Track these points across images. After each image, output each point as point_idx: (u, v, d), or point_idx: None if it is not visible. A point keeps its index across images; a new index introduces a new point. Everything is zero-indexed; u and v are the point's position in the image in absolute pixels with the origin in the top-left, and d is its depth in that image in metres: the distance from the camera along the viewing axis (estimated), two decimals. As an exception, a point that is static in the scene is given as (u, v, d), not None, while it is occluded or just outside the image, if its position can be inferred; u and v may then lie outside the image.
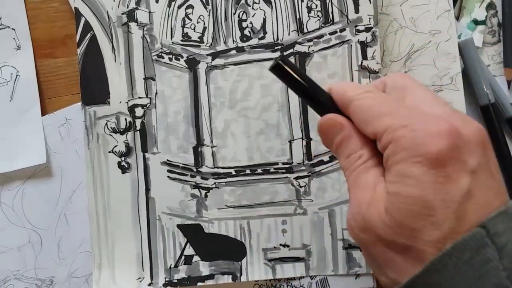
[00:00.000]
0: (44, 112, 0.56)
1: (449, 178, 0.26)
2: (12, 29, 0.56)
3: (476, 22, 0.54)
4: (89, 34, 0.52)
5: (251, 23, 0.51)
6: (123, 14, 0.52)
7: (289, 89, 0.50)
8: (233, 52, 0.52)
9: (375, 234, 0.28)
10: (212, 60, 0.52)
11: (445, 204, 0.26)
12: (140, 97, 0.52)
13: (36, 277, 0.56)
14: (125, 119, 0.52)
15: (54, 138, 0.57)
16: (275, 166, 0.51)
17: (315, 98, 0.35)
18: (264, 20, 0.51)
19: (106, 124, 0.52)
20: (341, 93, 0.33)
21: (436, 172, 0.26)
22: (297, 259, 0.51)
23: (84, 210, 0.54)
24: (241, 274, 0.51)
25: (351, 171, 0.31)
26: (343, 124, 0.32)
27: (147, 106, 0.52)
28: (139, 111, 0.52)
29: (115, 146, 0.52)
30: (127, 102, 0.52)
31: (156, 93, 0.52)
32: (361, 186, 0.30)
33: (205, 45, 0.52)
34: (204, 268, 0.52)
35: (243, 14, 0.51)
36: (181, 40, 0.52)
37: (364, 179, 0.30)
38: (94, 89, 0.52)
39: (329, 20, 0.51)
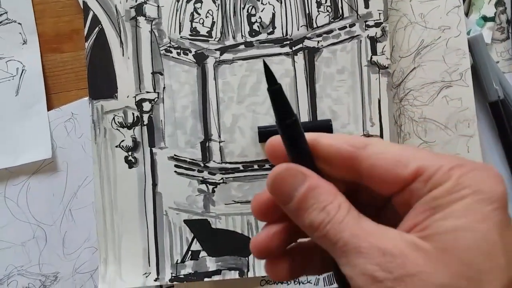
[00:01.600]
0: (50, 107, 0.56)
1: (510, 221, 0.23)
2: (19, 23, 0.56)
3: (485, 19, 0.54)
4: (97, 28, 0.52)
5: (260, 18, 0.51)
6: (131, 8, 0.52)
7: (298, 84, 0.51)
8: (242, 47, 0.51)
9: (421, 283, 0.22)
10: (221, 55, 0.51)
11: (508, 247, 0.23)
12: (148, 92, 0.51)
13: (40, 273, 0.56)
14: (133, 114, 0.51)
15: (60, 133, 0.56)
16: (283, 162, 0.51)
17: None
18: (273, 15, 0.51)
19: (114, 118, 0.51)
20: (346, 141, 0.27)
21: (502, 211, 0.23)
22: (304, 255, 0.51)
23: (90, 205, 0.54)
24: (248, 270, 0.51)
25: (336, 224, 0.24)
26: (305, 174, 0.26)
27: (155, 100, 0.51)
28: (146, 106, 0.51)
29: (122, 140, 0.51)
30: (135, 97, 0.52)
31: (164, 87, 0.51)
32: (374, 233, 0.24)
33: (214, 40, 0.52)
34: (211, 263, 0.51)
35: (252, 8, 0.51)
36: (190, 35, 0.52)
37: (369, 225, 0.24)
38: (101, 83, 0.51)
39: (339, 15, 0.51)
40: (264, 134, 0.50)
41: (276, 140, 0.28)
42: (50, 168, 0.56)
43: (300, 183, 0.26)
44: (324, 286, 0.51)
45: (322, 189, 0.26)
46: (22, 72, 0.56)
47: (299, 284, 0.51)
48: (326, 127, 0.50)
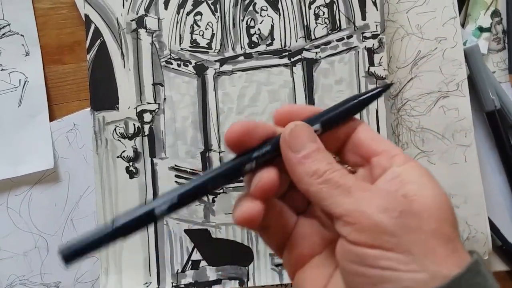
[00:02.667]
0: (52, 118, 0.57)
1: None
2: (21, 35, 0.57)
3: (481, 29, 0.55)
4: (98, 41, 0.53)
5: (259, 29, 0.52)
6: (132, 20, 0.53)
7: (296, 94, 0.51)
8: (241, 58, 0.52)
9: (419, 220, 0.26)
10: (220, 66, 0.52)
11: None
12: (148, 103, 0.52)
13: (42, 283, 0.57)
14: (134, 125, 0.52)
15: (62, 143, 0.57)
16: (282, 172, 0.52)
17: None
18: (272, 26, 0.52)
19: (115, 129, 0.52)
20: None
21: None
22: (304, 264, 0.52)
23: (91, 215, 0.55)
24: (248, 279, 0.52)
25: (340, 173, 0.28)
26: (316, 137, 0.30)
27: (156, 111, 0.52)
28: (147, 117, 0.52)
29: (124, 151, 0.52)
30: (136, 108, 0.52)
31: (165, 98, 0.52)
32: (380, 180, 0.28)
33: (213, 51, 0.52)
34: (211, 273, 0.52)
35: (251, 20, 0.52)
36: (190, 47, 0.53)
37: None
38: (103, 95, 0.52)
39: (336, 27, 0.52)
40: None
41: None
42: (52, 178, 0.57)
43: (313, 139, 0.29)
44: None
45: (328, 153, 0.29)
46: (25, 83, 0.56)
47: None
48: None
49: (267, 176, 0.29)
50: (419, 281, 0.25)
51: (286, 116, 0.31)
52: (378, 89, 0.31)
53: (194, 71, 0.52)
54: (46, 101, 0.57)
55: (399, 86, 0.53)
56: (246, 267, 0.52)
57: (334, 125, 0.31)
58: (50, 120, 0.56)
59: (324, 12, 0.52)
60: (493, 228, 0.52)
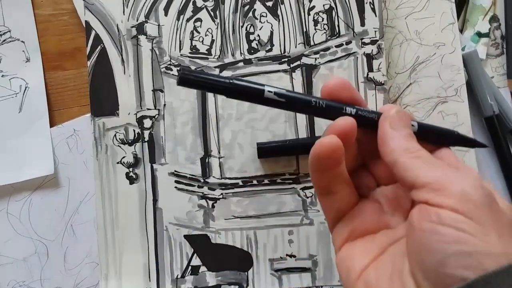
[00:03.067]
0: (52, 124, 0.57)
1: None
2: (22, 41, 0.57)
3: (479, 35, 0.55)
4: (99, 47, 0.53)
5: (258, 35, 0.53)
6: (132, 27, 0.53)
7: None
8: (241, 64, 0.53)
9: (501, 212, 0.28)
10: (220, 72, 0.53)
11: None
12: (148, 109, 0.53)
13: (42, 288, 0.57)
14: (134, 131, 0.52)
15: (62, 149, 0.57)
16: (282, 177, 0.52)
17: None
18: (271, 33, 0.52)
19: (115, 135, 0.52)
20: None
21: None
22: (303, 270, 0.52)
23: (91, 221, 0.55)
24: (247, 285, 0.52)
25: (431, 156, 0.31)
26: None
27: (156, 117, 0.53)
28: (147, 123, 0.52)
29: (124, 157, 0.52)
30: (136, 114, 0.53)
31: (165, 104, 0.53)
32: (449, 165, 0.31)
33: (213, 58, 0.53)
34: (211, 278, 0.52)
35: (250, 27, 0.52)
36: (190, 53, 0.53)
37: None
38: (103, 101, 0.53)
39: (335, 33, 0.52)
40: (262, 150, 0.51)
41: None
42: (52, 184, 0.57)
43: (410, 127, 0.33)
44: None
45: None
46: (25, 89, 0.57)
47: None
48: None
49: (351, 121, 0.32)
50: (492, 252, 0.26)
51: (340, 89, 0.34)
52: (476, 142, 0.36)
53: (194, 77, 0.53)
54: (46, 107, 0.57)
55: (398, 91, 0.53)
56: (246, 273, 0.52)
57: (428, 137, 0.34)
58: (51, 126, 0.57)
59: (323, 18, 0.52)
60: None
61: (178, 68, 0.53)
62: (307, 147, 0.48)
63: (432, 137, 0.34)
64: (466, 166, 0.33)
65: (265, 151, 0.51)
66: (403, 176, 0.30)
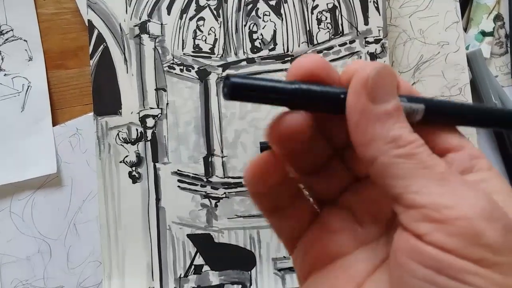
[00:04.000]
0: (55, 123, 0.57)
1: None
2: (24, 40, 0.57)
3: (483, 34, 0.55)
4: (101, 46, 0.53)
5: (261, 34, 0.53)
6: (135, 26, 0.53)
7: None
8: (244, 63, 0.53)
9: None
10: (223, 71, 0.53)
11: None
12: (151, 108, 0.53)
13: (45, 287, 0.57)
14: (136, 130, 0.53)
15: (65, 148, 0.57)
16: (285, 176, 0.52)
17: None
18: (275, 32, 0.52)
19: (118, 134, 0.53)
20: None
21: None
22: (307, 269, 0.52)
23: (94, 220, 0.55)
24: (250, 284, 0.52)
25: (428, 151, 0.21)
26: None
27: (158, 116, 0.53)
28: (150, 122, 0.53)
29: (126, 156, 0.53)
30: (139, 113, 0.53)
31: (167, 103, 0.53)
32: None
33: (216, 57, 0.53)
34: (214, 277, 0.52)
35: (253, 26, 0.53)
36: (192, 52, 0.53)
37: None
38: (106, 100, 0.53)
39: (339, 32, 0.52)
40: (265, 149, 0.51)
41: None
42: (55, 183, 0.57)
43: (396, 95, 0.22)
44: None
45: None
46: (28, 88, 0.57)
47: None
48: None
49: (289, 121, 0.23)
50: None
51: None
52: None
53: (197, 76, 0.53)
54: (49, 106, 0.57)
55: None
56: (249, 272, 0.52)
57: (442, 118, 0.24)
58: (53, 125, 0.57)
59: (326, 17, 0.52)
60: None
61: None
62: None
63: (456, 117, 0.24)
64: (465, 143, 0.24)
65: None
66: (385, 185, 0.21)
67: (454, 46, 0.53)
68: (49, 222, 0.57)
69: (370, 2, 0.51)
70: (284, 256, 0.52)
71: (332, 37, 0.52)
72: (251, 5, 0.53)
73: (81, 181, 0.57)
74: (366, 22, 0.51)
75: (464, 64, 0.53)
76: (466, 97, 0.52)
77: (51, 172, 0.56)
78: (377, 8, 0.51)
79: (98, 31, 0.53)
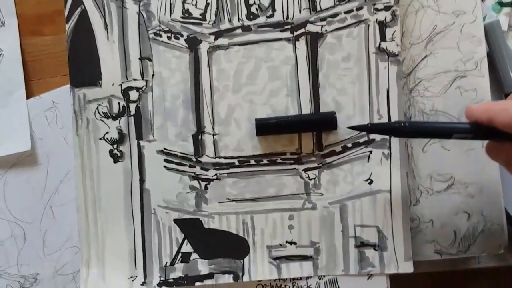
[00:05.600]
0: (29, 95, 0.53)
1: None
2: (-5, 3, 0.53)
3: (501, 4, 0.51)
4: (79, 9, 0.48)
5: (258, -1, 0.48)
6: (117, -14, 0.48)
7: (299, 72, 0.48)
8: (239, 31, 0.48)
9: None
10: (215, 39, 0.48)
11: None
12: (135, 79, 0.48)
13: (18, 274, 0.53)
14: (118, 103, 0.48)
15: (40, 123, 0.54)
16: (282, 157, 0.48)
17: None
18: (273, -5, 0.48)
19: (97, 108, 0.48)
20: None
21: None
22: (304, 258, 0.49)
23: (72, 202, 0.51)
24: (243, 274, 0.49)
25: None
26: None
27: (143, 89, 0.48)
28: (133, 95, 0.48)
29: (107, 132, 0.49)
30: (121, 85, 0.48)
31: (153, 75, 0.48)
32: None
33: (208, 23, 0.48)
34: (203, 266, 0.49)
35: (250, -12, 0.48)
36: (181, 17, 0.48)
37: None
38: (84, 70, 0.48)
39: (345, -3, 0.48)
40: (262, 126, 0.47)
41: None
42: (29, 161, 0.53)
43: None
44: None
45: None
46: (0, 57, 0.53)
47: None
48: (329, 119, 0.47)
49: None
50: None
51: None
52: None
53: (186, 45, 0.49)
54: (22, 77, 0.53)
55: (412, 64, 0.49)
56: (241, 260, 0.49)
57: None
58: (27, 98, 0.53)
59: (331, -20, 0.48)
60: (510, 219, 0.49)
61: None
62: (311, 124, 0.45)
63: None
64: None
65: (265, 127, 0.47)
66: None
67: (470, 16, 0.49)
68: (23, 204, 0.53)
69: (380, -37, 0.47)
70: (280, 244, 0.49)
71: (337, 3, 0.48)
72: (247, -35, 0.48)
73: (58, 159, 0.53)
74: (376, -13, 0.47)
75: (481, 36, 0.49)
76: (482, 72, 0.48)
77: (25, 149, 0.52)
78: (388, -29, 0.47)
79: (75, -9, 0.48)
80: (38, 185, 0.53)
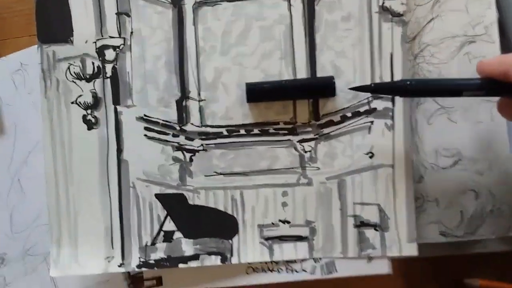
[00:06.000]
0: (-6, 57, 0.45)
1: None
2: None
3: (510, -34, 0.44)
4: (47, -46, 0.40)
5: None
6: None
7: (294, 32, 0.40)
8: (228, -16, 0.41)
9: None
10: (202, -6, 0.40)
11: None
12: (111, 37, 0.40)
13: (-16, 254, 0.46)
14: (93, 63, 0.40)
15: (7, 87, 0.46)
16: (275, 126, 0.41)
17: None
18: None
19: (69, 68, 0.40)
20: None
21: None
22: (299, 238, 0.41)
23: (43, 174, 0.43)
24: (231, 255, 0.41)
25: None
26: None
27: (120, 48, 0.40)
28: (110, 54, 0.40)
29: (80, 96, 0.40)
30: (95, 42, 0.40)
31: (132, 32, 0.40)
32: None
33: (194, -25, 0.41)
34: (187, 246, 0.41)
35: None
36: (164, -32, 0.41)
37: None
38: (53, 24, 0.40)
39: None
40: (253, 92, 0.40)
41: None
42: (-4, 130, 0.45)
43: None
44: (322, 275, 0.42)
45: None
46: (-40, 12, 0.44)
47: (292, 272, 0.42)
48: (327, 85, 0.40)
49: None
50: None
51: None
52: None
53: (169, 0, 0.41)
54: (-14, 35, 0.45)
55: (417, 27, 0.42)
56: (230, 241, 0.41)
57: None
58: (-8, 59, 0.45)
59: None
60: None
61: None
62: (306, 89, 0.37)
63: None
64: None
65: (256, 93, 0.40)
66: None
67: (481, -26, 0.42)
68: None
69: None
70: (272, 223, 0.41)
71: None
72: None
73: (27, 127, 0.45)
74: None
75: (491, -3, 0.42)
76: (493, 38, 0.42)
77: None
78: None
79: None
80: (4, 156, 0.46)
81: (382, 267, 0.41)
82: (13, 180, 0.46)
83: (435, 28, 0.42)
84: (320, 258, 0.41)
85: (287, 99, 0.41)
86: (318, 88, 0.40)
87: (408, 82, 0.36)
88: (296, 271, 0.41)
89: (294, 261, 0.41)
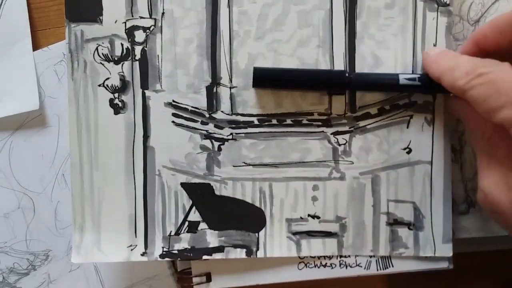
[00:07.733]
0: (36, 46, 0.34)
1: None
2: None
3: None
4: None
5: None
6: None
7: (333, 19, 0.28)
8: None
9: None
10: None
11: None
12: (141, 17, 0.29)
13: (27, 251, 0.34)
14: (122, 45, 0.29)
15: (49, 79, 0.34)
16: (309, 117, 0.29)
17: None
18: None
19: (97, 49, 0.29)
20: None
21: None
22: (328, 234, 0.29)
23: (75, 161, 0.32)
24: (257, 249, 0.29)
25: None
26: None
27: (151, 29, 0.29)
28: (139, 36, 0.29)
29: (107, 78, 0.29)
30: (125, 23, 0.29)
31: (163, 13, 0.29)
32: None
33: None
34: (212, 238, 0.29)
35: None
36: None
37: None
38: (82, 2, 0.28)
39: None
40: (259, 76, 0.28)
41: None
42: (38, 122, 0.34)
43: None
44: (377, 269, 0.29)
45: None
46: (2, 2, 0.34)
47: (346, 267, 0.29)
48: (338, 79, 0.28)
49: None
50: None
51: None
52: None
53: (204, -17, 0.29)
54: (28, 25, 0.34)
55: (481, 9, 0.30)
56: (256, 234, 0.29)
57: None
58: (34, 49, 0.34)
59: None
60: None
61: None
62: (316, 82, 0.25)
63: None
64: None
65: (264, 78, 0.28)
66: None
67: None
68: (32, 172, 0.34)
69: None
70: (301, 217, 0.29)
71: None
72: None
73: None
74: None
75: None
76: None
77: (33, 109, 0.33)
78: None
79: None
80: (48, 149, 0.34)
81: (442, 262, 0.29)
82: (57, 174, 0.35)
83: (500, 10, 0.29)
84: (349, 256, 0.29)
85: (297, 89, 0.28)
86: (330, 82, 0.28)
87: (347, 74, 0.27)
88: (350, 266, 0.29)
89: (348, 256, 0.29)
